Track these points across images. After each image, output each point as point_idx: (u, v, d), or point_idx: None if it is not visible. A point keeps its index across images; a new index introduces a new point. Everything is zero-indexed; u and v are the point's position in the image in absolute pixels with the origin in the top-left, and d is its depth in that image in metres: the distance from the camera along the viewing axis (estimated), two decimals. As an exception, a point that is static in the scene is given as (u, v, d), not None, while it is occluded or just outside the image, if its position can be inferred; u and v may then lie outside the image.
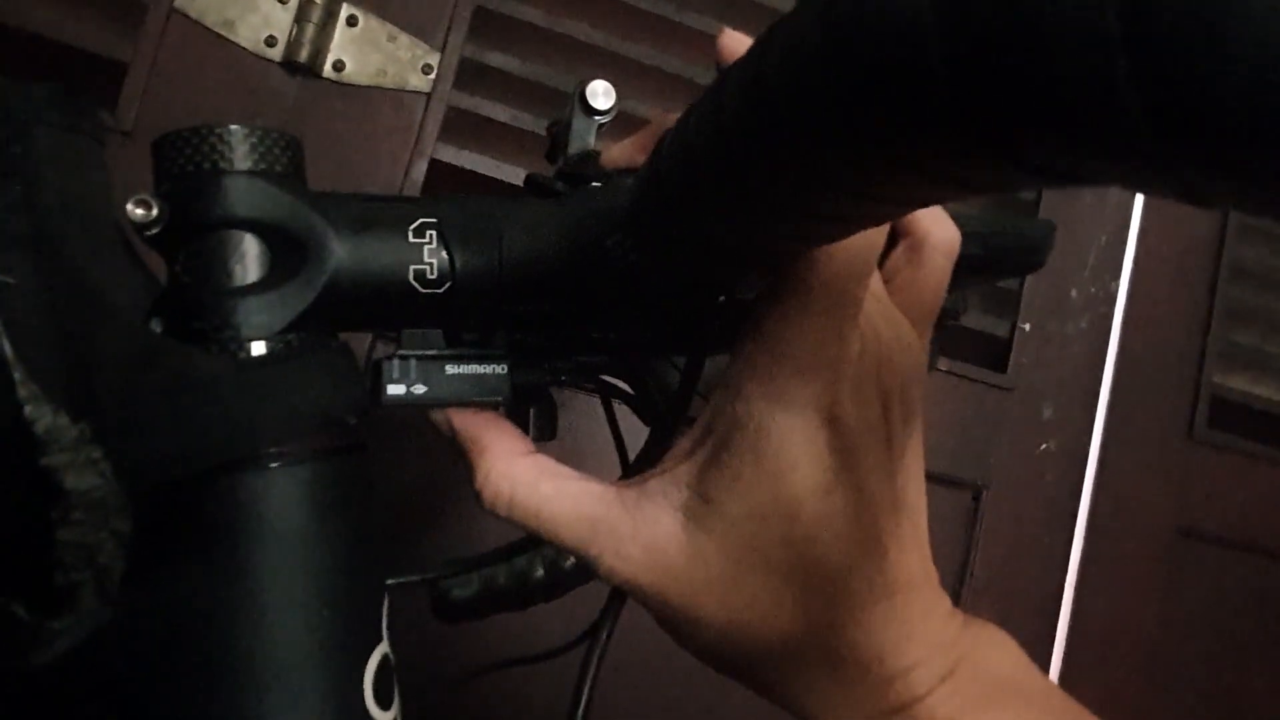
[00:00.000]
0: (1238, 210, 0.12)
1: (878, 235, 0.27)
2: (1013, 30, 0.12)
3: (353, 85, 0.68)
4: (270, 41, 0.67)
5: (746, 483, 0.27)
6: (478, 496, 0.30)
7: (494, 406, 0.31)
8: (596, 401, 0.69)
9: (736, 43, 0.29)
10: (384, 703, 0.29)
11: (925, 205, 0.18)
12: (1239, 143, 0.11)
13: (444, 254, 0.29)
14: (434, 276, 0.29)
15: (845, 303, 0.26)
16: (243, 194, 0.28)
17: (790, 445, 0.26)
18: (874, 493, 0.27)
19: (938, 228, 0.30)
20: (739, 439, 0.27)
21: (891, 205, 0.19)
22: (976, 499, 0.80)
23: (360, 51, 0.69)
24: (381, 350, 0.30)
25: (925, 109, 0.14)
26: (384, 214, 0.29)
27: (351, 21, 0.68)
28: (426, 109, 0.69)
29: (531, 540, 0.44)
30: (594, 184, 0.31)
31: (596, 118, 0.35)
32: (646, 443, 0.35)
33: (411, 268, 0.29)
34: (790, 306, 0.26)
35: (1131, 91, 0.11)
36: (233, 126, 0.28)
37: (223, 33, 0.66)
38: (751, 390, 0.26)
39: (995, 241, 0.32)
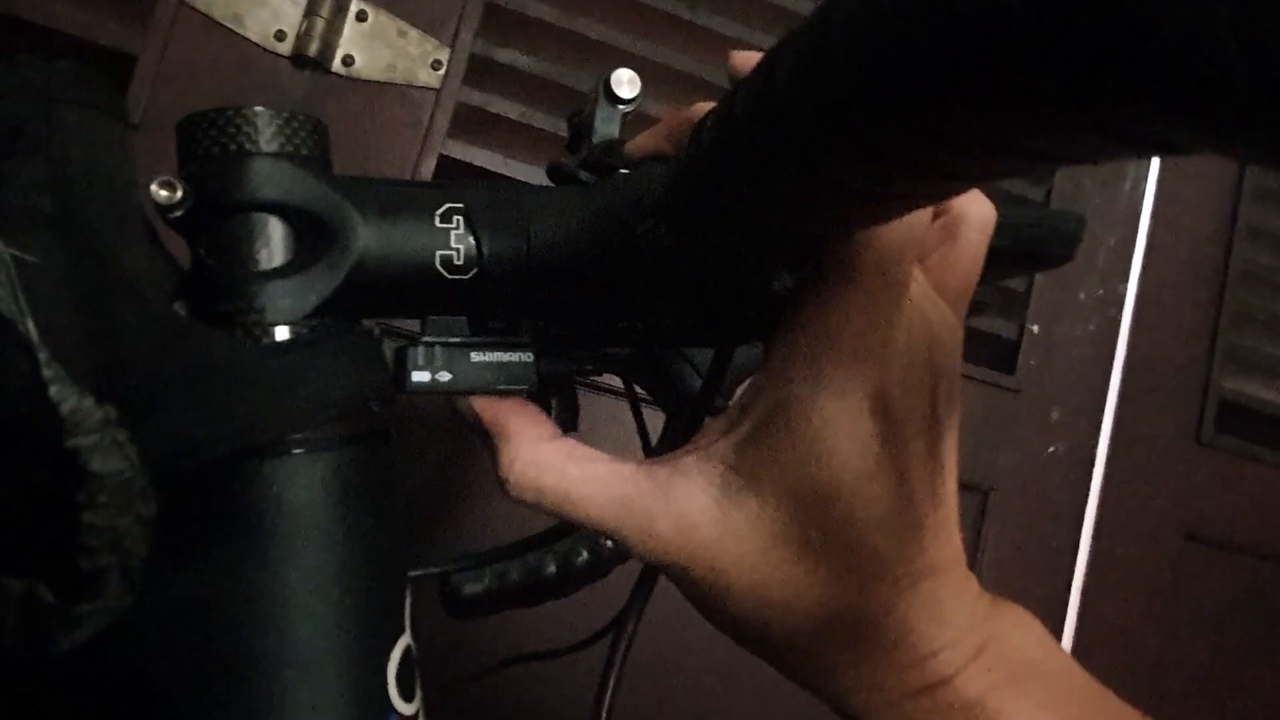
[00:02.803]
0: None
1: (924, 214, 0.26)
2: None
3: (362, 80, 0.68)
4: (279, 36, 0.66)
5: (784, 464, 0.26)
6: (503, 485, 0.29)
7: (518, 395, 0.31)
8: (606, 400, 0.69)
9: (747, 61, 0.29)
10: (407, 695, 0.28)
11: (988, 180, 0.18)
12: None
13: (471, 240, 0.29)
14: (460, 262, 0.28)
15: (893, 285, 0.25)
16: (268, 176, 0.27)
17: (833, 431, 0.26)
18: (916, 479, 0.27)
19: (974, 205, 0.29)
20: (779, 421, 0.26)
21: (955, 181, 0.18)
22: (984, 501, 0.79)
23: (370, 46, 0.68)
24: (388, 341, 0.30)
25: (1007, 73, 0.13)
26: (410, 199, 0.29)
27: (361, 16, 0.68)
28: (436, 105, 0.69)
29: (545, 536, 0.44)
30: (621, 171, 0.30)
31: (621, 106, 0.34)
32: (664, 430, 0.34)
33: (438, 253, 0.28)
34: (836, 291, 0.25)
35: (1235, 52, 0.10)
36: (258, 108, 0.27)
37: (232, 26, 0.66)
38: (794, 374, 0.26)
39: (1027, 233, 0.32)
